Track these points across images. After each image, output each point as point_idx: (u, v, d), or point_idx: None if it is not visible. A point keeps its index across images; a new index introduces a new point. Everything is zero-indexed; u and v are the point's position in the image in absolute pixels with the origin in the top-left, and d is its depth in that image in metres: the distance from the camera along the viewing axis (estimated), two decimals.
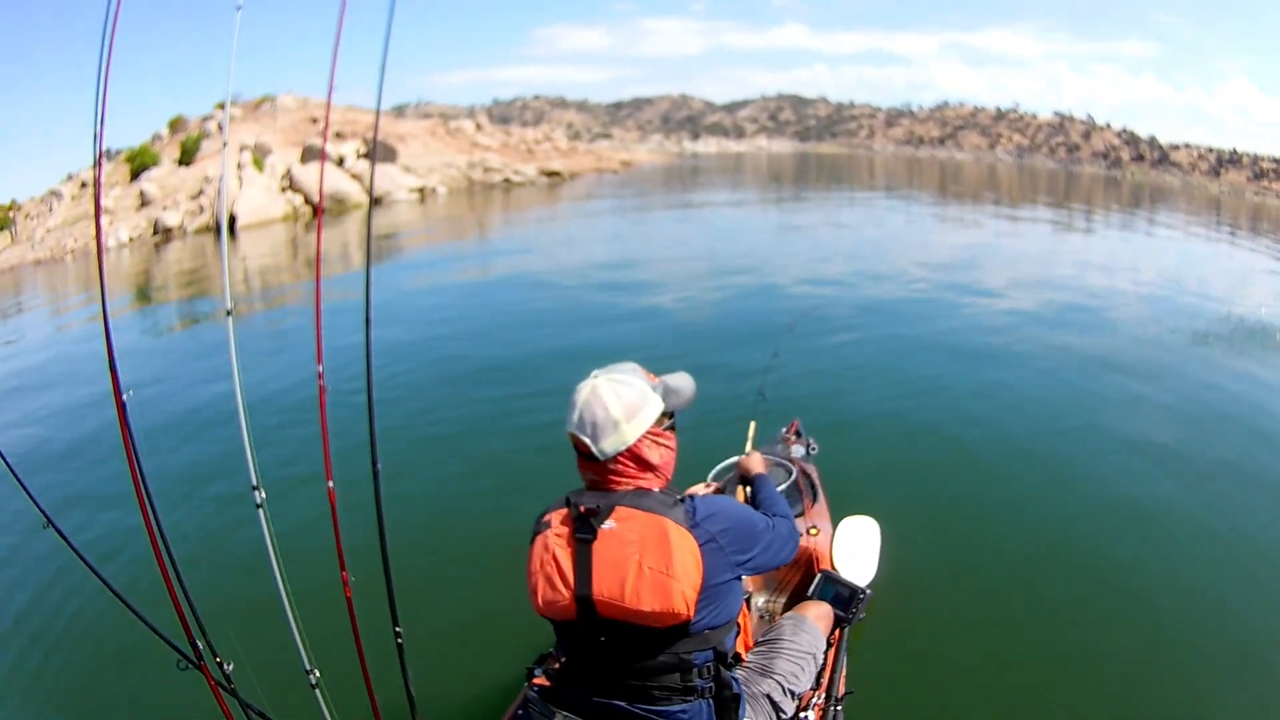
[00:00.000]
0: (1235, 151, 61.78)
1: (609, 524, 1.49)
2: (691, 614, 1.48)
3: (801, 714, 2.14)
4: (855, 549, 2.90)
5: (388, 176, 20.05)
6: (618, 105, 78.81)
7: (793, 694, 2.02)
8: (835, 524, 3.03)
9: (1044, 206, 26.42)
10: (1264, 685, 2.93)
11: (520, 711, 2.02)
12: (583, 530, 1.50)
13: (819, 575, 2.58)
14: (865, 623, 2.67)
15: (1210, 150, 64.15)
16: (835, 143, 75.72)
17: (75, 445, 4.61)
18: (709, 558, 1.49)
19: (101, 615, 2.83)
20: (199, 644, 1.85)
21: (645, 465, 1.59)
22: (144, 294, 11.73)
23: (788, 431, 3.76)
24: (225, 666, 1.90)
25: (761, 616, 2.67)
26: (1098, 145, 69.04)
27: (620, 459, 1.55)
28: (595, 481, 1.59)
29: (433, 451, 4.57)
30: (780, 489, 3.08)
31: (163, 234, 16.35)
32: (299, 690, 1.97)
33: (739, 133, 76.63)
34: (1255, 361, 7.12)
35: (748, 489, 2.24)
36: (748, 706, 1.80)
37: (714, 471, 3.19)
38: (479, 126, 31.21)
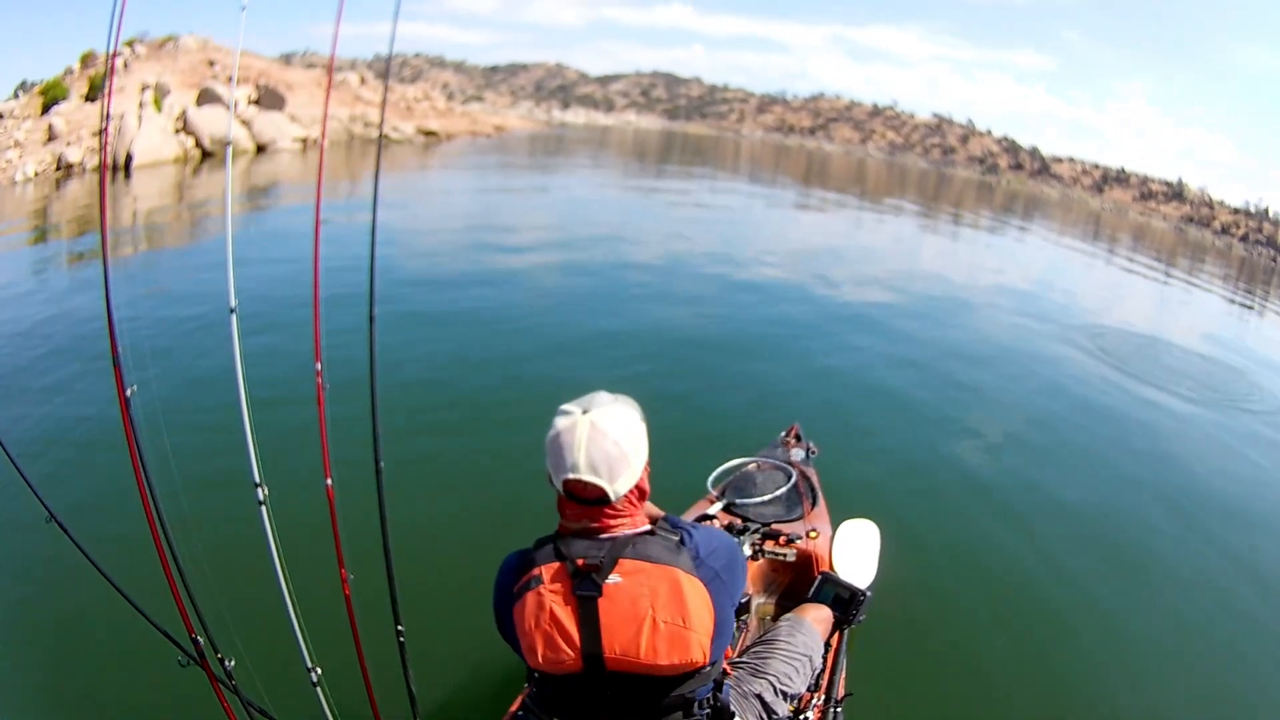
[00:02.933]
0: (1124, 170, 62.45)
1: (614, 578, 1.38)
2: (708, 660, 1.43)
3: (801, 716, 2.14)
4: (855, 552, 2.91)
5: (274, 125, 19.36)
6: (494, 69, 77.79)
7: (786, 695, 2.01)
8: (835, 527, 3.03)
9: (910, 205, 26.95)
10: (1265, 685, 2.94)
11: (521, 713, 2.02)
12: (584, 587, 1.38)
13: (818, 577, 2.59)
14: (865, 625, 2.68)
15: (1096, 166, 64.74)
16: (704, 123, 75.06)
17: (78, 439, 4.60)
18: (717, 597, 1.42)
19: (103, 611, 2.82)
20: (200, 640, 1.85)
21: (643, 495, 1.49)
22: (40, 231, 11.23)
23: (787, 435, 3.76)
24: (226, 663, 1.90)
25: (760, 618, 2.68)
26: (975, 150, 69.29)
27: (627, 496, 1.43)
28: (588, 529, 1.44)
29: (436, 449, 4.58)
30: (780, 492, 3.09)
31: (64, 170, 15.99)
32: (300, 687, 1.97)
33: (609, 106, 75.89)
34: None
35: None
36: (736, 706, 1.80)
37: (713, 477, 3.19)
38: (363, 80, 30.48)
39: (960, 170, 64.86)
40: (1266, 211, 51.57)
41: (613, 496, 1.40)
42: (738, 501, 3.04)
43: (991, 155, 67.98)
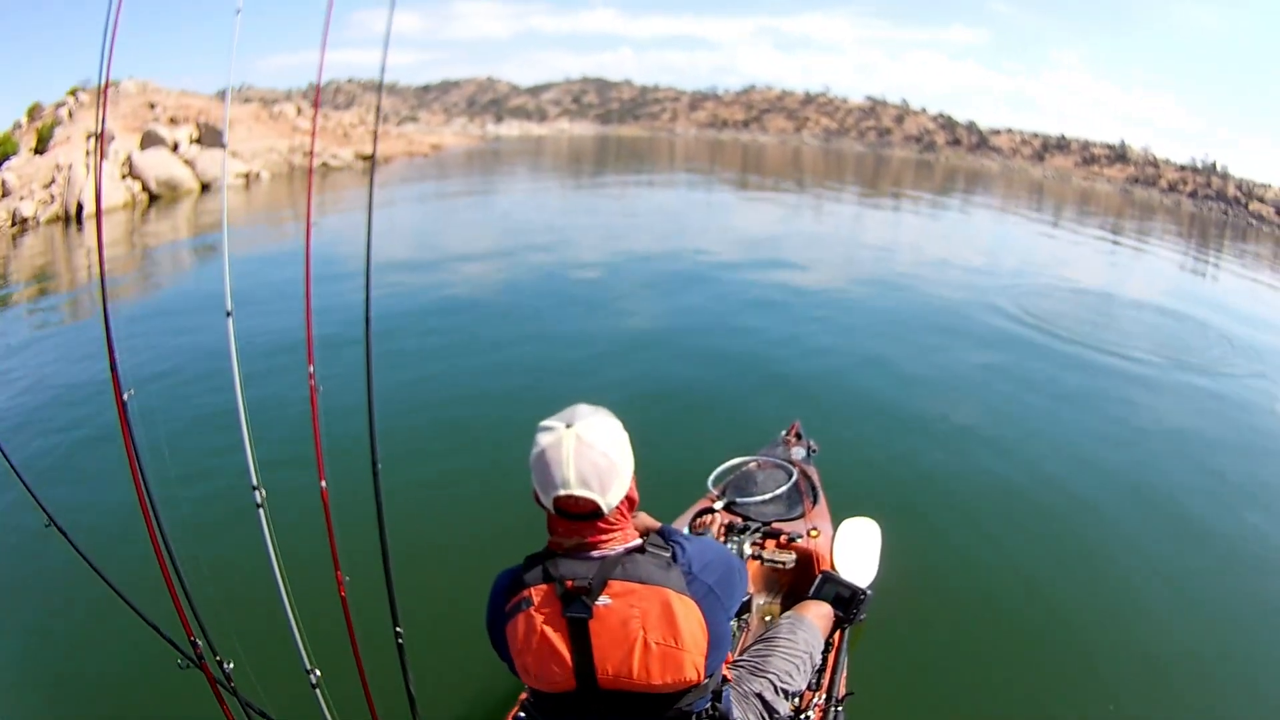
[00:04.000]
0: (1064, 137, 61.70)
1: (604, 600, 1.36)
2: (703, 677, 1.42)
3: (802, 715, 2.14)
4: (856, 550, 2.90)
5: (217, 162, 19.14)
6: (425, 88, 76.77)
7: (787, 693, 2.00)
8: (836, 525, 3.03)
9: (849, 189, 26.99)
10: (1261, 684, 2.93)
11: (521, 714, 2.02)
12: (574, 608, 1.36)
13: (819, 576, 2.58)
14: (866, 624, 2.68)
15: (1035, 135, 63.88)
16: (637, 125, 74.24)
17: (77, 444, 4.62)
18: (710, 613, 1.41)
19: (103, 614, 2.82)
20: (199, 643, 1.85)
21: (633, 504, 1.47)
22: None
23: (788, 433, 3.76)
24: (225, 665, 1.91)
25: (762, 617, 2.67)
26: (911, 129, 68.38)
27: (619, 507, 1.41)
28: (581, 545, 1.41)
29: (435, 449, 4.58)
30: (781, 490, 3.08)
31: (19, 225, 15.64)
32: (299, 689, 1.97)
33: (542, 115, 75.16)
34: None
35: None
36: (736, 705, 1.79)
37: (713, 475, 3.18)
38: (299, 110, 30.38)
39: (897, 150, 64.38)
40: (1214, 166, 50.94)
41: (605, 509, 1.38)
42: (738, 500, 3.03)
43: (928, 133, 67.23)
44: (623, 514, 1.44)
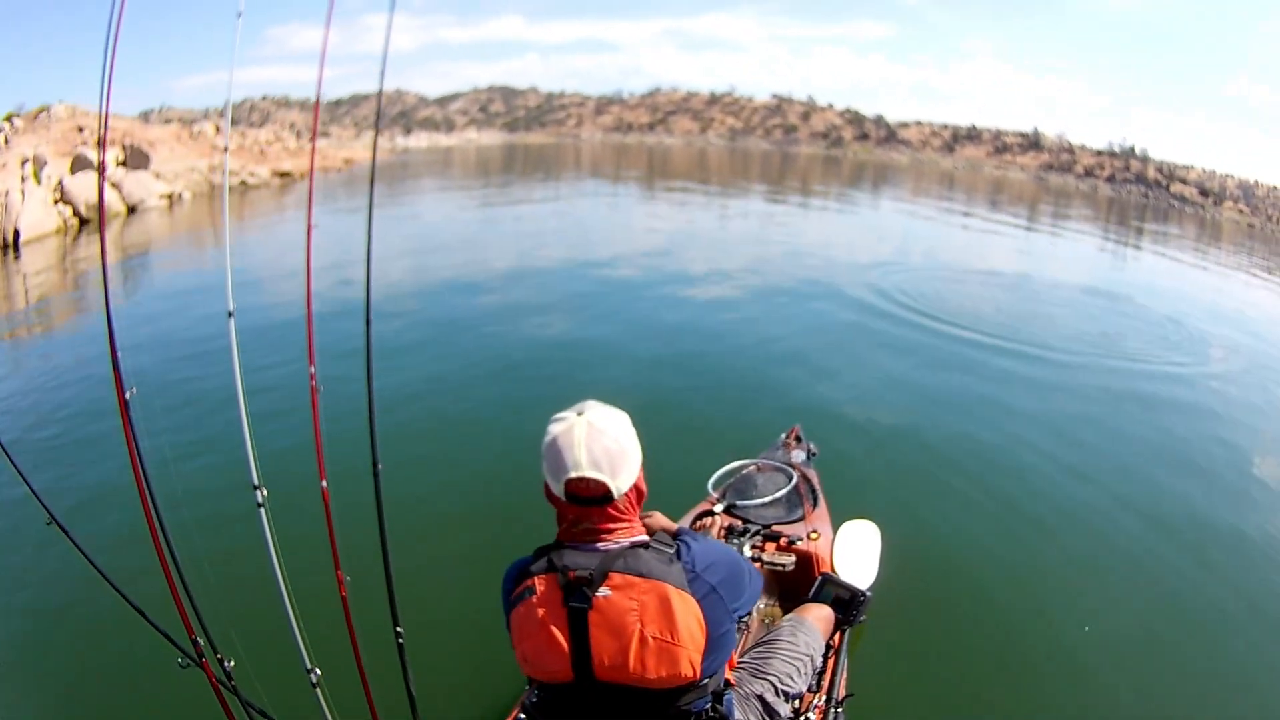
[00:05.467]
0: (974, 127, 62.33)
1: (604, 591, 1.38)
2: (699, 675, 1.43)
3: (802, 716, 2.14)
4: (856, 552, 2.90)
5: (142, 184, 18.94)
6: (337, 103, 75.27)
7: (787, 695, 2.00)
8: (836, 528, 3.03)
9: (755, 188, 27.22)
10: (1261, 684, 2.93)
11: (522, 715, 2.02)
12: (575, 598, 1.38)
13: (819, 578, 2.58)
14: (866, 626, 2.67)
15: (945, 127, 64.36)
16: (544, 132, 74.30)
17: (79, 441, 4.62)
18: (710, 612, 1.42)
19: (103, 612, 2.83)
20: (200, 641, 1.85)
21: (641, 497, 1.49)
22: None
23: (788, 436, 3.76)
24: (226, 664, 1.90)
25: (762, 620, 2.67)
26: (818, 125, 68.78)
27: (627, 495, 1.44)
28: (589, 531, 1.44)
29: (435, 449, 4.59)
30: (781, 493, 3.09)
31: None
32: (300, 689, 1.97)
33: (450, 126, 75.02)
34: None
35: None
36: (737, 708, 1.79)
37: (714, 479, 3.19)
38: (217, 129, 30.54)
39: (804, 147, 64.86)
40: (1133, 150, 51.51)
41: (615, 493, 1.40)
42: (738, 503, 3.04)
43: (835, 129, 67.76)
44: (631, 504, 1.47)
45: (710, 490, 3.13)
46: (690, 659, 1.40)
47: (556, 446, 1.40)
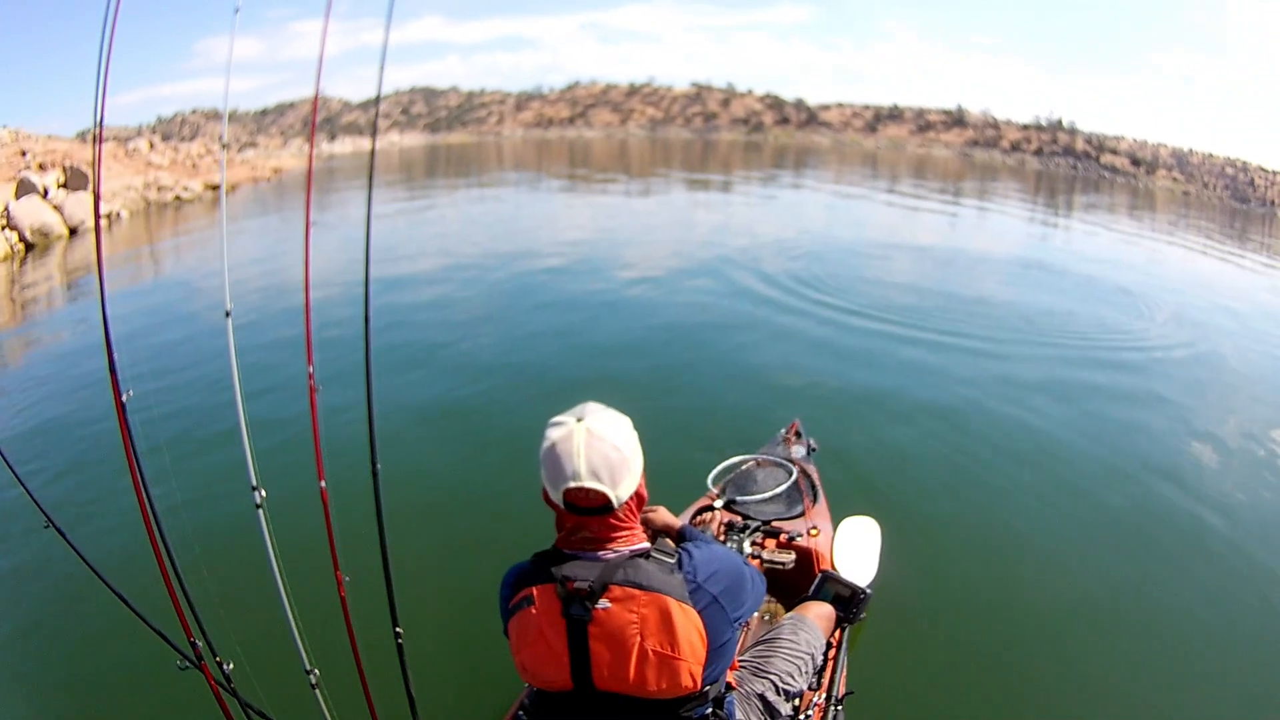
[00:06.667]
0: (896, 106, 62.86)
1: (603, 603, 1.36)
2: (699, 686, 1.41)
3: (802, 714, 2.14)
4: (856, 549, 2.90)
5: (82, 205, 18.74)
6: (263, 112, 75.27)
7: (788, 693, 2.00)
8: (836, 524, 3.02)
9: (674, 176, 27.40)
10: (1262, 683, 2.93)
11: (520, 714, 2.02)
12: (574, 610, 1.36)
13: (819, 575, 2.58)
14: (866, 623, 2.67)
15: (866, 107, 64.74)
16: (465, 131, 73.98)
17: (76, 444, 4.61)
18: (711, 622, 1.40)
19: (102, 615, 2.83)
20: (199, 644, 1.85)
21: (642, 502, 1.46)
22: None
23: (788, 432, 3.75)
24: (225, 666, 1.90)
25: (762, 617, 2.67)
26: (738, 112, 68.99)
27: (628, 503, 1.41)
28: (589, 540, 1.41)
29: (434, 447, 4.59)
30: (780, 489, 3.08)
31: None
32: (299, 690, 1.97)
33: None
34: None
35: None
36: (738, 707, 1.79)
37: (713, 474, 3.18)
38: (151, 145, 30.58)
39: (725, 134, 65.11)
40: (1060, 123, 51.51)
41: (615, 503, 1.37)
42: (738, 499, 3.03)
43: (755, 114, 67.96)
44: (632, 511, 1.44)
45: (710, 486, 3.12)
46: (691, 671, 1.38)
47: (555, 454, 1.36)
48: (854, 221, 17.16)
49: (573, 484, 1.35)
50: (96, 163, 2.09)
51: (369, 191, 2.58)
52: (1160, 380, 6.38)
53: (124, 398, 1.84)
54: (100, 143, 2.09)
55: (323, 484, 1.99)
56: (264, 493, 1.95)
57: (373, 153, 2.35)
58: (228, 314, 2.07)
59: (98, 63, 1.96)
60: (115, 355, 1.86)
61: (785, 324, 7.55)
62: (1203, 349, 7.43)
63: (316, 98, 2.26)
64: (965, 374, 6.28)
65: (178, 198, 23.68)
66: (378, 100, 2.48)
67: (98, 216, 1.98)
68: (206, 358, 5.92)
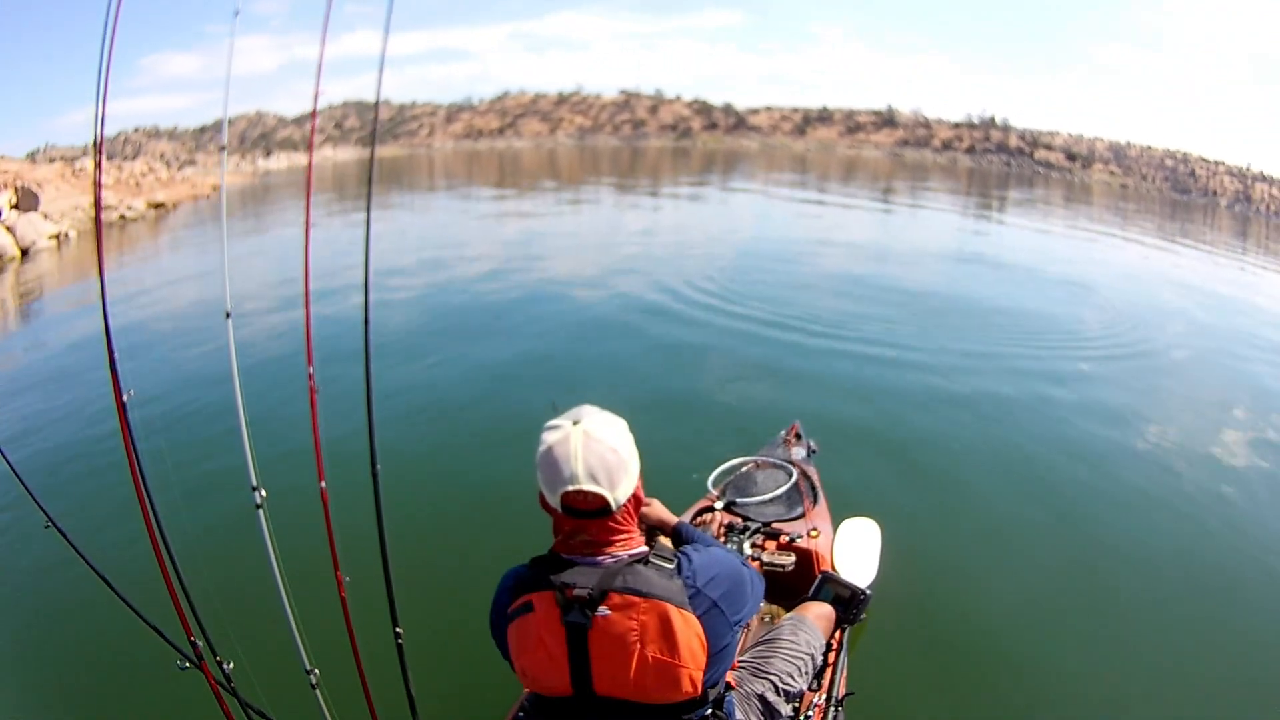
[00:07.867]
0: (825, 109, 63.34)
1: (603, 610, 1.34)
2: (700, 691, 1.41)
3: (802, 715, 2.13)
4: (856, 550, 2.90)
5: (33, 226, 18.47)
6: (202, 129, 73.58)
7: (788, 694, 2.00)
8: (836, 525, 3.02)
9: (603, 185, 27.58)
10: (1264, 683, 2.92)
11: (520, 714, 2.02)
12: (574, 617, 1.36)
13: (819, 576, 2.58)
14: (866, 624, 2.67)
15: (795, 110, 65.20)
16: (397, 144, 73.82)
17: (77, 444, 4.62)
18: (712, 628, 1.39)
19: (102, 615, 2.82)
20: (199, 643, 1.85)
21: (639, 504, 1.46)
22: None
23: (788, 433, 3.76)
24: (225, 666, 1.90)
25: (762, 618, 2.67)
26: (666, 118, 69.39)
27: (626, 505, 1.40)
28: (587, 544, 1.41)
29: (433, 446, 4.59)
30: (780, 491, 3.08)
31: None
32: (299, 690, 1.97)
33: (308, 145, 74.16)
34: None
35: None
36: (738, 708, 1.79)
37: (713, 476, 3.18)
38: (98, 165, 30.76)
39: (653, 141, 65.47)
40: (993, 120, 51.72)
41: (614, 505, 1.37)
42: (738, 500, 3.03)
43: (683, 120, 68.48)
44: (629, 514, 1.43)
45: (710, 487, 3.12)
46: (691, 676, 1.38)
47: (552, 457, 1.36)
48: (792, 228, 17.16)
49: (570, 487, 1.34)
50: (97, 167, 2.10)
51: (369, 195, 2.58)
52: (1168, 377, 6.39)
53: (125, 397, 1.84)
54: (101, 148, 2.10)
55: (323, 484, 2.00)
56: (264, 493, 1.96)
57: (372, 153, 2.36)
58: (228, 315, 2.07)
59: (98, 70, 1.97)
60: (116, 355, 1.87)
61: (785, 325, 7.56)
62: (1195, 347, 7.51)
63: (316, 98, 2.27)
64: (966, 375, 6.28)
65: (122, 217, 23.10)
66: (375, 115, 2.49)
67: (98, 216, 1.98)
68: (205, 366, 5.90)
